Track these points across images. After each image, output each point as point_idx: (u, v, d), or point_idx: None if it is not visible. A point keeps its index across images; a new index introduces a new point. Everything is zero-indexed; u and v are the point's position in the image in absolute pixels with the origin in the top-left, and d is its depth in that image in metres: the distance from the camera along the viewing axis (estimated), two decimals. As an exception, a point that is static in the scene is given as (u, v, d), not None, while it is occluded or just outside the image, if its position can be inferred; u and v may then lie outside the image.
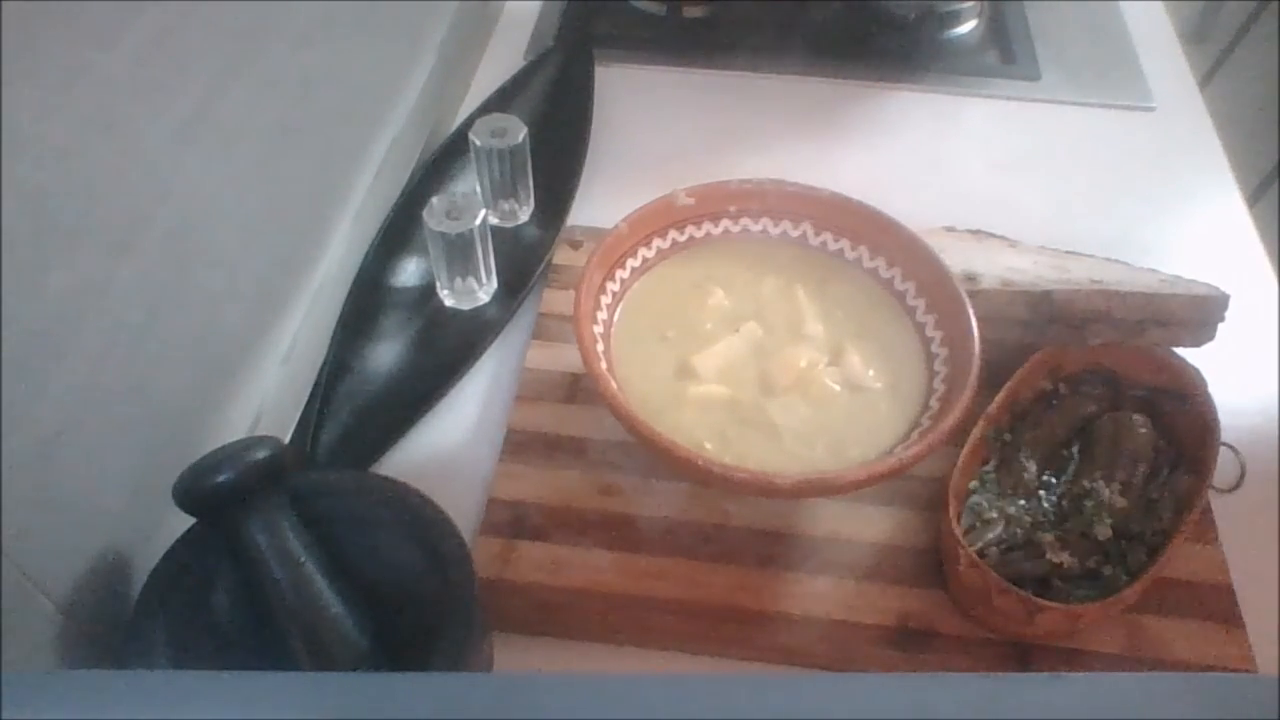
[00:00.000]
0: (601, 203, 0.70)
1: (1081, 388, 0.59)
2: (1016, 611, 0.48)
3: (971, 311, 0.54)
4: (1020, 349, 0.59)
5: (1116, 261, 0.64)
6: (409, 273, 0.67)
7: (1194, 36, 1.73)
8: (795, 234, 0.61)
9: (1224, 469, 0.55)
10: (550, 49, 0.84)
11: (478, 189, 0.69)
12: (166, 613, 0.42)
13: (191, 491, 0.40)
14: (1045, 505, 0.54)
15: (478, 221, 0.60)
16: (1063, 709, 0.24)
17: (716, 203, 0.60)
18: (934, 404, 0.53)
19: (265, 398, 0.56)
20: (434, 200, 0.61)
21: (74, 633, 0.41)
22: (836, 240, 0.60)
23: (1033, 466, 0.55)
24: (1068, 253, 0.64)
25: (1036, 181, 0.77)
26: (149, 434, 0.46)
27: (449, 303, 0.65)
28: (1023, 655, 0.50)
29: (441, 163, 0.73)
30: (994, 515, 0.53)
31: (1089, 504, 0.53)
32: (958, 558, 0.49)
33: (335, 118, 0.63)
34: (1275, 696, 0.24)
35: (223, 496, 0.39)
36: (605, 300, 0.56)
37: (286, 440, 0.59)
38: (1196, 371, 0.57)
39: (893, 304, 0.58)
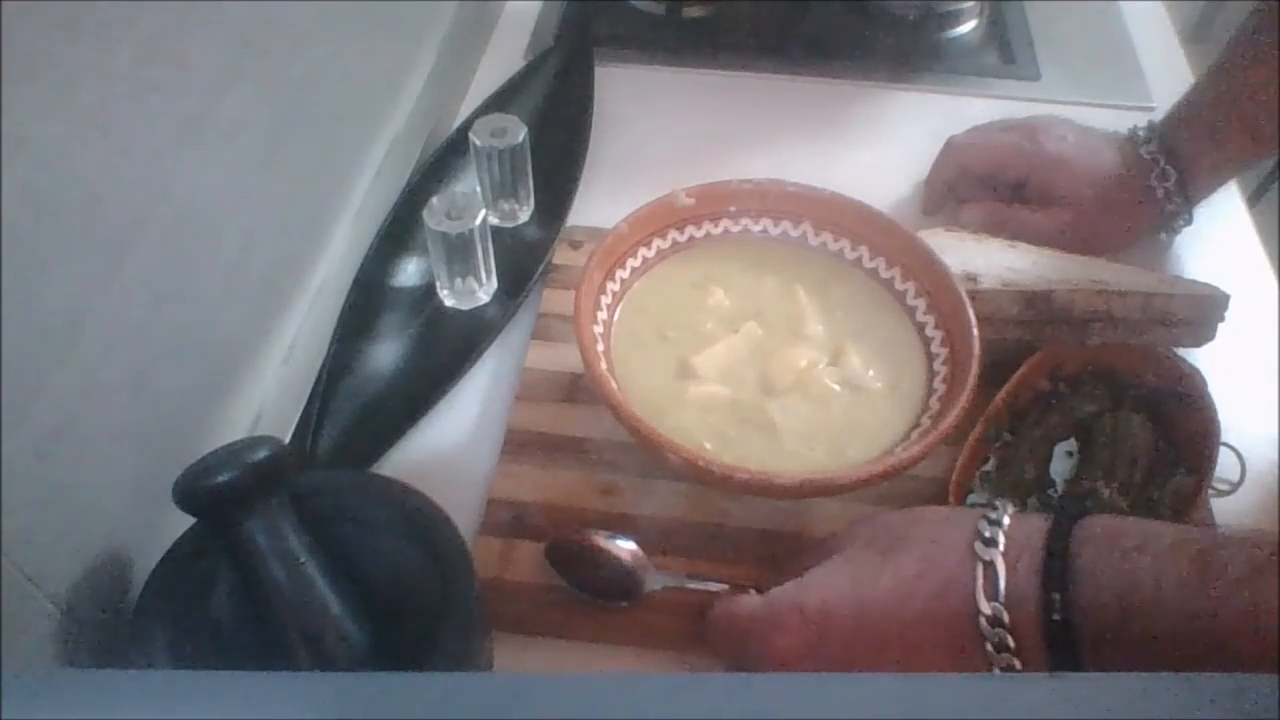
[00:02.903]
0: (601, 203, 0.70)
1: (1081, 388, 0.59)
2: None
3: (971, 311, 0.54)
4: (1020, 349, 0.59)
5: (1116, 262, 0.64)
6: (409, 273, 0.67)
7: (1194, 36, 1.73)
8: (795, 234, 0.61)
9: (1224, 469, 0.55)
10: (550, 49, 0.84)
11: (478, 189, 0.69)
12: (166, 613, 0.41)
13: (191, 491, 0.39)
14: (1045, 505, 0.54)
15: (478, 221, 0.60)
16: (1063, 709, 0.24)
17: (716, 203, 0.60)
18: (934, 404, 0.53)
19: (265, 398, 0.56)
20: (434, 200, 0.61)
21: (74, 633, 0.41)
22: (836, 240, 0.60)
23: (1032, 467, 0.55)
24: (1068, 253, 0.64)
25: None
26: (149, 434, 0.46)
27: (449, 303, 0.65)
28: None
29: (441, 163, 0.73)
30: (994, 515, 0.53)
31: (1089, 504, 0.53)
32: (958, 558, 0.49)
33: (335, 118, 0.63)
34: (1275, 696, 0.24)
35: (223, 496, 0.39)
36: (605, 300, 0.56)
37: (286, 440, 0.59)
38: (1196, 371, 0.57)
39: (893, 304, 0.58)
